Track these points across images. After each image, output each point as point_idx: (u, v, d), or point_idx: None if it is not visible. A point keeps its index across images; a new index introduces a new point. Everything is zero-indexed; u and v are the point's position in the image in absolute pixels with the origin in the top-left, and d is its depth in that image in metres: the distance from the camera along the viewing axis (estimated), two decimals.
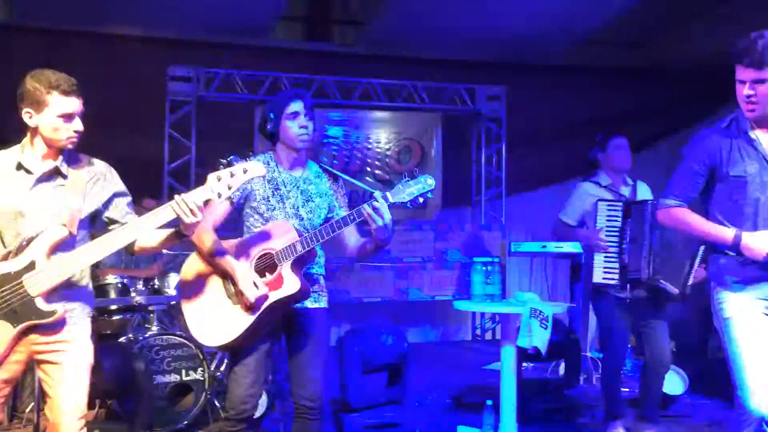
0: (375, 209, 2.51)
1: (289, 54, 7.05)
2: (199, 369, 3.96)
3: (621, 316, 3.86)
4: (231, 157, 2.40)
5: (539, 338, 3.67)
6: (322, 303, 2.76)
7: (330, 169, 2.87)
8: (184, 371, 3.94)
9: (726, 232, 2.60)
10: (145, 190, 5.43)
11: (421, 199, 2.57)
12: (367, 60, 7.10)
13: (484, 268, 3.94)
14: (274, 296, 2.51)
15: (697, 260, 3.71)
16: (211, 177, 2.29)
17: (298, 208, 2.73)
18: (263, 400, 3.73)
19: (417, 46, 7.08)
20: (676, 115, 7.91)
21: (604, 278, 3.85)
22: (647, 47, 7.66)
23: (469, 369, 5.90)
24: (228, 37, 6.59)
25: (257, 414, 3.13)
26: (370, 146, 7.00)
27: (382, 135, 7.07)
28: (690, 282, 3.69)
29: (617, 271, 3.80)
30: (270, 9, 6.38)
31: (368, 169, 6.98)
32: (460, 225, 7.23)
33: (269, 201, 2.71)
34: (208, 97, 6.54)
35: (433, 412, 4.44)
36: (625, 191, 4.04)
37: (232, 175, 2.28)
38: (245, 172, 2.30)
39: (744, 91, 2.55)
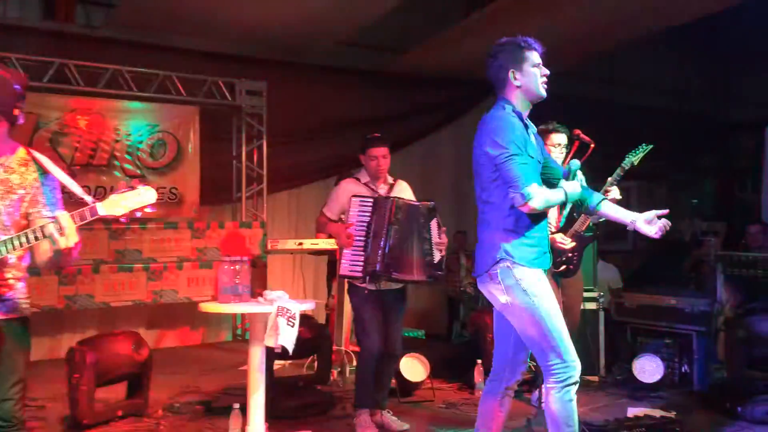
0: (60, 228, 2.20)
1: (24, 33, 6.30)
2: None
3: (371, 306, 4.01)
4: None
5: (286, 336, 3.64)
6: (17, 312, 2.39)
7: (42, 158, 2.50)
8: None
9: (560, 191, 2.90)
10: None
11: (139, 213, 2.36)
12: (116, 45, 6.57)
13: (232, 267, 3.82)
14: None
15: (433, 238, 4.00)
16: None
17: None
18: None
19: (173, 34, 6.72)
20: (428, 117, 8.47)
21: (349, 271, 3.97)
22: (404, 53, 8.10)
23: (226, 371, 5.73)
24: None
25: None
26: (119, 138, 6.48)
27: (132, 127, 6.58)
28: (436, 260, 3.97)
29: (362, 264, 3.94)
30: None
31: (116, 163, 6.45)
32: (219, 223, 6.99)
33: None
34: None
35: (179, 421, 4.21)
36: (383, 189, 4.19)
37: None
38: None
39: (543, 71, 2.92)
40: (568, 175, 3.06)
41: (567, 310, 4.62)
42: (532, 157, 2.92)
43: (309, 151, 7.48)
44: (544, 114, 4.61)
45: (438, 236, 4.07)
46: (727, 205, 9.57)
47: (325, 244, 5.62)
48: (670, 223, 2.90)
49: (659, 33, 7.00)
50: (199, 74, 6.78)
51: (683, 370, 5.10)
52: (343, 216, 4.10)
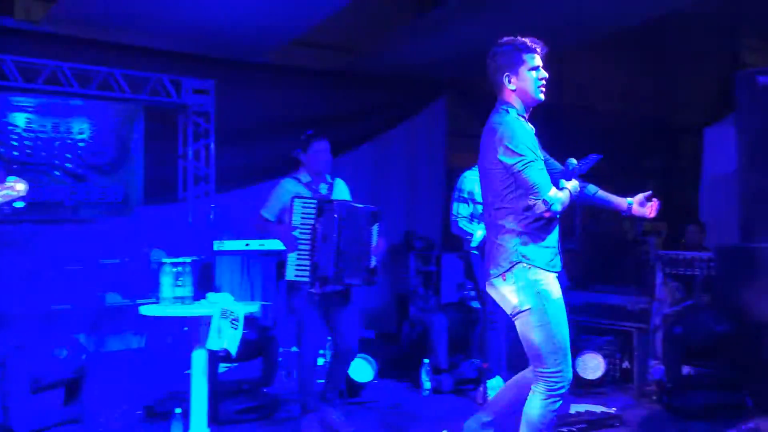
0: None
1: None
2: None
3: (314, 310, 3.98)
4: None
5: (229, 339, 3.59)
6: None
7: None
8: None
9: (567, 192, 2.89)
10: None
11: (7, 208, 2.31)
12: (56, 40, 6.37)
13: (174, 269, 3.75)
14: None
15: (373, 244, 3.99)
16: None
17: None
18: None
19: (116, 31, 6.55)
20: (378, 118, 8.46)
21: (296, 276, 3.92)
22: (354, 53, 8.08)
23: (172, 375, 5.62)
24: None
25: None
26: (59, 137, 6.29)
27: (75, 125, 6.40)
28: (372, 266, 3.96)
29: (308, 268, 3.90)
30: None
31: (56, 162, 6.26)
32: (164, 223, 6.85)
33: None
34: None
35: (119, 427, 4.12)
36: (324, 189, 4.16)
37: None
38: None
39: (540, 74, 2.87)
40: (569, 175, 3.07)
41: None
42: (542, 160, 2.93)
43: (259, 151, 7.38)
44: (484, 119, 4.65)
45: (376, 242, 4.05)
46: (670, 206, 9.83)
47: (273, 245, 5.57)
48: (658, 202, 2.98)
49: (608, 36, 7.14)
50: (143, 71, 6.63)
51: (624, 366, 5.23)
52: (285, 216, 4.04)
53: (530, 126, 2.97)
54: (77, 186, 6.29)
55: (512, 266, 2.86)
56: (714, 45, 8.86)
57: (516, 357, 5.04)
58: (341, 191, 4.26)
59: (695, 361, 4.74)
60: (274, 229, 4.10)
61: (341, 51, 8.11)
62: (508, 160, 2.81)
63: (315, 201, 3.97)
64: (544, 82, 2.90)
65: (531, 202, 2.80)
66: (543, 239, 2.88)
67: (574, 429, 4.04)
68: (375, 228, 4.05)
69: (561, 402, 2.84)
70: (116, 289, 6.49)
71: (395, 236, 7.56)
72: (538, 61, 2.89)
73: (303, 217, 3.93)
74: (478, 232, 4.60)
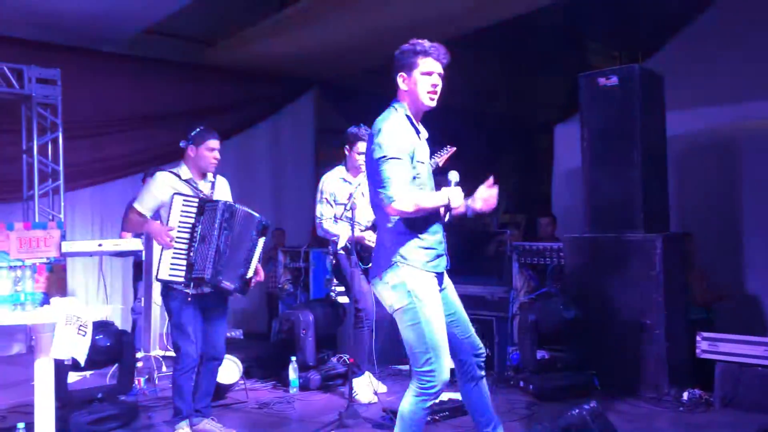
0: None
1: None
2: None
3: (191, 311, 3.82)
4: None
5: (77, 347, 3.36)
6: None
7: None
8: None
9: (441, 195, 2.83)
10: None
11: None
12: None
13: (12, 272, 3.46)
14: None
15: (255, 256, 3.88)
16: None
17: None
18: None
19: None
20: (242, 112, 8.28)
21: (170, 275, 3.76)
22: (214, 46, 7.84)
23: (16, 387, 5.19)
24: None
25: None
26: None
27: None
28: (248, 276, 3.84)
29: (184, 268, 3.75)
30: None
31: None
32: (8, 224, 6.30)
33: None
34: None
35: None
36: (205, 187, 3.98)
37: None
38: None
39: (432, 80, 2.83)
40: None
41: (376, 304, 4.74)
42: (422, 162, 2.91)
43: (112, 146, 7.00)
44: (353, 115, 4.65)
45: (259, 257, 3.94)
46: (527, 199, 10.38)
47: (129, 244, 5.29)
48: (494, 189, 2.98)
49: (468, 34, 7.37)
50: None
51: (486, 353, 5.43)
52: (162, 212, 3.84)
53: (420, 128, 2.99)
54: None
55: (389, 265, 2.87)
56: (565, 47, 9.43)
57: (382, 353, 5.13)
58: (223, 190, 4.10)
59: (548, 346, 5.02)
60: (148, 226, 3.87)
61: (200, 43, 7.84)
62: (375, 155, 2.83)
63: (197, 199, 3.81)
64: (434, 88, 2.89)
65: (379, 197, 2.82)
66: (420, 239, 2.88)
67: (437, 417, 4.14)
68: (260, 241, 3.91)
69: (432, 401, 2.87)
70: None
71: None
72: (431, 66, 2.87)
73: (182, 215, 3.76)
74: (343, 233, 4.62)
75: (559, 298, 5.03)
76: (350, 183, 4.77)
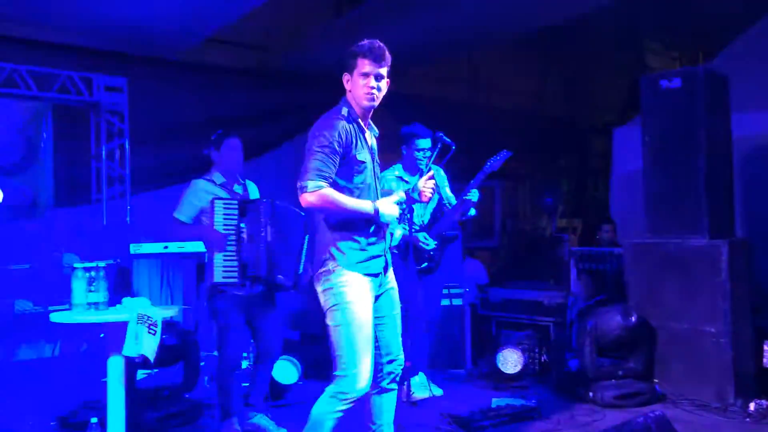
0: None
1: None
2: None
3: (238, 313, 3.91)
4: None
5: (147, 345, 3.49)
6: None
7: None
8: None
9: (366, 204, 2.82)
10: None
11: None
12: None
13: (87, 274, 3.61)
14: None
15: (304, 250, 3.95)
16: None
17: None
18: None
19: (22, 25, 6.24)
20: (298, 117, 8.39)
21: (224, 277, 3.86)
22: (270, 52, 7.98)
23: (87, 383, 5.40)
24: None
25: None
26: None
27: None
28: (300, 271, 3.92)
29: (237, 269, 3.84)
30: None
31: None
32: (78, 226, 6.57)
33: None
34: None
35: None
36: (239, 190, 4.11)
37: None
38: None
39: (370, 82, 2.83)
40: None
41: (428, 306, 4.78)
42: (363, 162, 2.91)
43: (176, 151, 7.18)
44: (406, 116, 4.70)
45: (306, 253, 3.99)
46: (583, 204, 10.23)
47: (193, 247, 5.44)
48: (431, 181, 3.03)
49: (519, 38, 7.33)
50: (51, 68, 6.33)
51: (543, 359, 5.40)
52: (204, 218, 3.96)
53: (368, 127, 3.00)
54: None
55: (322, 264, 2.86)
56: (622, 48, 9.27)
57: (437, 355, 5.14)
58: (253, 192, 4.23)
59: (607, 353, 4.94)
60: (194, 231, 4.00)
61: (258, 49, 8.00)
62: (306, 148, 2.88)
63: (236, 201, 3.92)
64: (371, 90, 2.88)
65: (297, 185, 2.81)
66: (354, 240, 2.85)
67: (495, 422, 4.13)
68: (306, 237, 3.96)
69: (343, 407, 2.77)
70: (26, 295, 6.18)
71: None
72: (369, 68, 2.86)
73: (225, 218, 3.87)
74: (398, 231, 4.66)
75: (619, 305, 4.95)
76: (407, 182, 4.80)
